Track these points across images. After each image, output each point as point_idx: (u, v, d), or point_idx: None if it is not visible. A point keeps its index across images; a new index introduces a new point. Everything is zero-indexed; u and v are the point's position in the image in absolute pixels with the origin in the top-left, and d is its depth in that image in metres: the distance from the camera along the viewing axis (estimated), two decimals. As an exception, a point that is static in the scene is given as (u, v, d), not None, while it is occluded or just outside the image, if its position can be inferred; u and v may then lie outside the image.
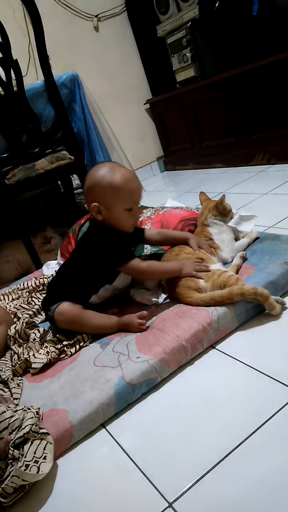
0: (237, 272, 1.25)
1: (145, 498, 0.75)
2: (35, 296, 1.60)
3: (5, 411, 0.90)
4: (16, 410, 0.93)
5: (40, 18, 1.80)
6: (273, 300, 1.07)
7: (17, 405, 1.03)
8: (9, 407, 0.93)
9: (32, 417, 0.90)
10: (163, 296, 1.29)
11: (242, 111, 2.55)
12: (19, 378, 1.17)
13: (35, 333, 1.27)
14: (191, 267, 1.21)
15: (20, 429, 0.88)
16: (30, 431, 0.87)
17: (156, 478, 0.78)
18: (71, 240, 1.75)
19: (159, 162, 3.50)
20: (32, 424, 0.88)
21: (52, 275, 1.70)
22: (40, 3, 1.80)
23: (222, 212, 1.41)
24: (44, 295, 1.60)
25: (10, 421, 0.88)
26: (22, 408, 0.94)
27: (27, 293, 1.65)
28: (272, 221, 1.64)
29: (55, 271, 1.74)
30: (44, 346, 1.22)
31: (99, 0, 3.04)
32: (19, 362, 1.19)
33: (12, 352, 1.26)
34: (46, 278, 1.70)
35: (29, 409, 0.94)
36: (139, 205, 2.01)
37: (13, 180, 1.92)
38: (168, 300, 1.28)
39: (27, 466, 0.82)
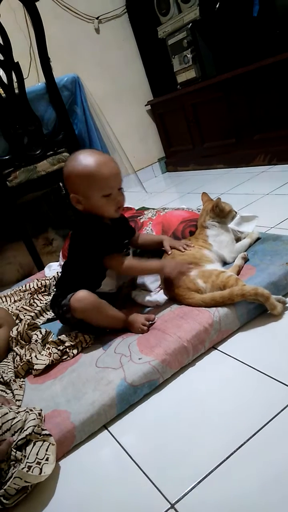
0: (238, 273, 1.25)
1: (147, 499, 0.75)
2: (37, 298, 1.60)
3: (7, 413, 0.90)
4: (19, 412, 0.93)
5: (41, 20, 1.81)
6: (274, 300, 1.07)
7: (19, 406, 1.03)
8: (11, 409, 0.94)
9: (34, 419, 0.90)
10: (165, 297, 1.29)
11: (243, 111, 2.55)
12: (21, 379, 1.17)
13: (37, 335, 1.27)
14: (173, 267, 1.20)
15: (23, 430, 0.88)
16: (33, 433, 0.87)
17: (158, 479, 0.78)
18: (73, 241, 1.75)
19: (161, 163, 3.50)
20: (35, 426, 0.88)
21: (54, 276, 1.71)
22: (41, 6, 1.81)
23: (220, 214, 1.40)
24: (45, 296, 1.60)
25: (13, 423, 0.89)
26: (25, 410, 0.94)
27: (29, 295, 1.65)
28: (273, 221, 1.64)
29: (57, 273, 1.74)
30: (46, 347, 1.22)
31: (100, 2, 3.05)
32: (21, 364, 1.19)
33: (14, 353, 1.26)
34: (48, 279, 1.70)
35: (31, 410, 0.94)
36: (142, 207, 2.02)
37: (15, 182, 1.92)
38: (169, 302, 1.28)
39: (29, 467, 0.82)
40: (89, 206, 1.19)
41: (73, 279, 1.27)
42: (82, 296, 1.18)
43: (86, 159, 1.16)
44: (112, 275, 1.29)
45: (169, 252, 1.33)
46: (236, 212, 1.45)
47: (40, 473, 0.82)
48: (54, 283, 1.66)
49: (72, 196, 1.20)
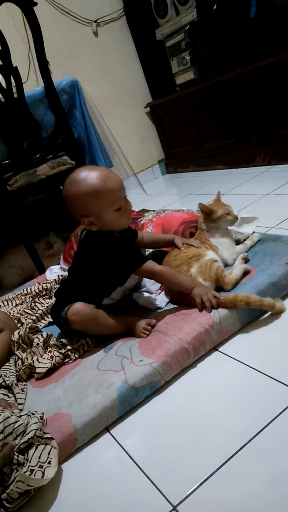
0: (239, 274, 1.25)
1: (150, 501, 0.75)
2: (39, 301, 1.60)
3: (9, 417, 0.90)
4: (21, 416, 0.93)
5: (39, 24, 1.81)
6: (279, 305, 1.09)
7: (21, 410, 1.03)
8: (13, 413, 0.94)
9: (36, 422, 0.91)
10: (166, 299, 1.30)
11: (242, 112, 2.55)
12: (23, 383, 1.17)
13: (38, 338, 1.28)
14: (204, 292, 1.13)
15: (25, 434, 0.88)
16: (35, 436, 0.87)
17: (160, 481, 0.79)
18: (73, 244, 1.76)
19: (161, 165, 3.51)
20: (37, 429, 0.89)
21: (55, 280, 1.71)
22: (38, 10, 1.81)
23: (207, 218, 1.37)
24: (46, 299, 1.61)
25: (15, 427, 0.89)
26: (26, 413, 0.95)
27: (30, 298, 1.65)
28: (273, 222, 1.64)
29: (58, 277, 1.75)
30: (48, 350, 1.23)
31: (98, 6, 3.06)
32: (23, 367, 1.19)
33: (16, 357, 1.26)
34: (49, 283, 1.70)
35: (33, 414, 0.94)
36: (142, 209, 2.02)
37: (15, 186, 1.93)
38: (170, 303, 1.28)
39: (31, 471, 0.82)
40: (103, 225, 1.15)
41: (75, 291, 1.25)
42: (78, 309, 1.18)
43: (88, 179, 1.10)
44: (117, 294, 1.28)
45: (182, 248, 1.32)
46: (234, 217, 1.38)
47: (43, 476, 0.82)
48: (56, 287, 1.66)
49: (84, 220, 1.15)
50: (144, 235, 1.39)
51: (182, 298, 1.21)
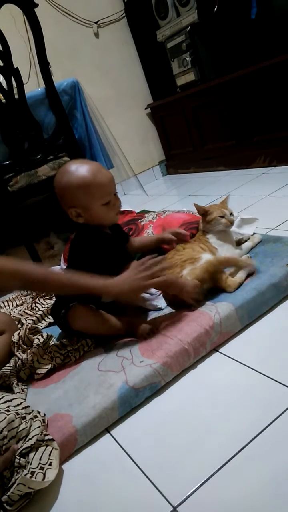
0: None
1: (150, 502, 0.76)
2: (39, 302, 1.60)
3: (13, 420, 0.89)
4: (25, 417, 0.93)
5: (40, 25, 1.82)
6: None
7: (27, 407, 1.02)
8: (18, 413, 0.93)
9: (39, 426, 0.90)
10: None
11: (243, 113, 2.55)
12: (24, 384, 1.17)
13: (38, 339, 1.28)
14: (185, 292, 1.15)
15: (27, 438, 0.88)
16: (36, 441, 0.87)
17: (161, 482, 0.79)
18: (74, 245, 1.75)
19: (161, 166, 3.51)
20: (38, 434, 0.88)
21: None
22: (40, 11, 1.81)
23: (203, 219, 1.39)
24: (47, 300, 1.61)
25: (18, 430, 0.88)
26: (30, 417, 0.94)
27: (31, 299, 1.66)
28: (274, 223, 1.64)
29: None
30: (48, 351, 1.23)
31: (99, 7, 3.06)
32: (23, 368, 1.19)
33: (16, 358, 1.26)
34: (49, 283, 1.70)
35: (36, 417, 0.94)
36: (143, 210, 2.02)
37: (16, 187, 1.93)
38: (169, 306, 1.28)
39: (32, 473, 0.82)
40: (90, 218, 1.17)
41: None
42: (78, 309, 1.18)
43: (78, 171, 1.13)
44: None
45: (173, 238, 1.32)
46: (229, 221, 1.35)
47: (44, 478, 0.82)
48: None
49: (71, 211, 1.17)
50: (136, 240, 1.40)
51: (178, 300, 1.21)
